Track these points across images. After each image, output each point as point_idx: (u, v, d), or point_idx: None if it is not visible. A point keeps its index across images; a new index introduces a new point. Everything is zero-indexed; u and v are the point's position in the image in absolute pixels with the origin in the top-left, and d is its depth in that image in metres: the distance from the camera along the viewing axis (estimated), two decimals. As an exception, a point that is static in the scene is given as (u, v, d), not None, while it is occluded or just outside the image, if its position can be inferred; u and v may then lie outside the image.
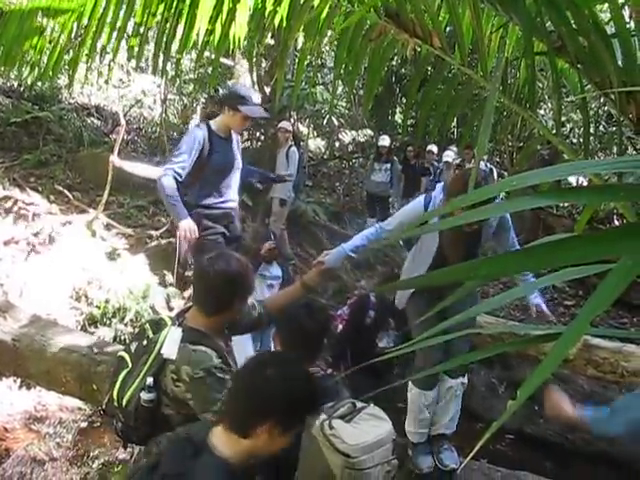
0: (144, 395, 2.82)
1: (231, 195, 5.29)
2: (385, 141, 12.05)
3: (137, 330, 3.11)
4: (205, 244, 4.91)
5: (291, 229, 10.90)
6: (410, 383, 4.40)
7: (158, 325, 2.97)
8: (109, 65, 9.59)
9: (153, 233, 9.66)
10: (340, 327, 7.04)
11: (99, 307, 7.30)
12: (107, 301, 7.39)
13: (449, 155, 11.37)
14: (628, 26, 1.94)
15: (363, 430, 2.72)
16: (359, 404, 2.86)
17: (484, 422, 6.59)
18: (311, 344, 3.02)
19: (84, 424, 5.54)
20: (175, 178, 4.83)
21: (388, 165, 11.98)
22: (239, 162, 5.35)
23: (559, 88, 2.05)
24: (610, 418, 2.84)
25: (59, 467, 4.96)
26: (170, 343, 2.82)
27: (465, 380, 4.49)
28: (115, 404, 2.93)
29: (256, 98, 5.09)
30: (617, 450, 5.52)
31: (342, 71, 2.52)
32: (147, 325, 3.02)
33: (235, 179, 5.34)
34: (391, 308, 5.09)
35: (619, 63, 1.99)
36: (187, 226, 4.82)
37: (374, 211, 12.01)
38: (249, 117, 5.09)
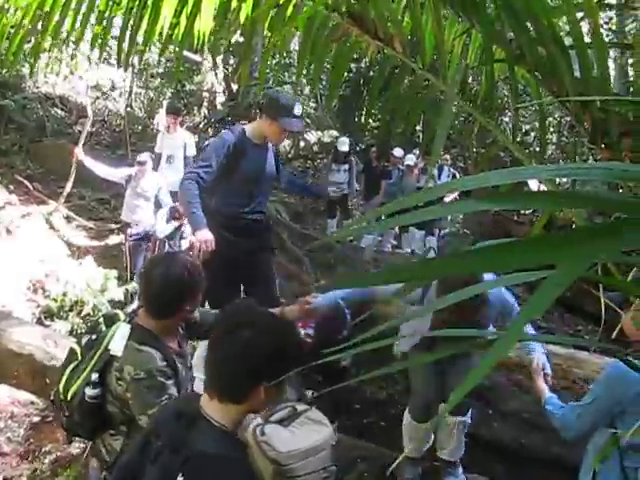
0: (88, 391, 2.77)
1: (259, 206, 4.87)
2: (344, 146, 11.82)
3: (91, 324, 3.07)
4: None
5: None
6: (407, 409, 4.42)
7: (112, 320, 2.92)
8: (71, 55, 9.48)
9: (114, 227, 9.57)
10: (303, 331, 6.99)
11: (56, 300, 7.20)
12: (64, 294, 7.30)
13: (411, 159, 11.42)
14: (585, 39, 1.98)
15: (298, 435, 2.58)
16: (300, 407, 2.76)
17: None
18: None
19: (36, 419, 5.44)
20: (198, 182, 4.48)
21: (346, 166, 11.85)
22: (273, 171, 4.95)
23: (518, 96, 2.08)
24: (562, 418, 3.17)
25: (9, 462, 4.87)
26: (118, 340, 2.77)
27: (467, 419, 4.42)
28: (61, 397, 2.88)
29: (297, 110, 4.65)
30: (571, 455, 5.61)
31: (305, 70, 2.52)
32: (101, 319, 2.97)
33: (266, 189, 5.00)
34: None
35: (576, 74, 2.03)
36: (203, 238, 4.43)
37: (334, 212, 12.02)
38: (286, 130, 4.71)
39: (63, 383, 2.89)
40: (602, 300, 1.87)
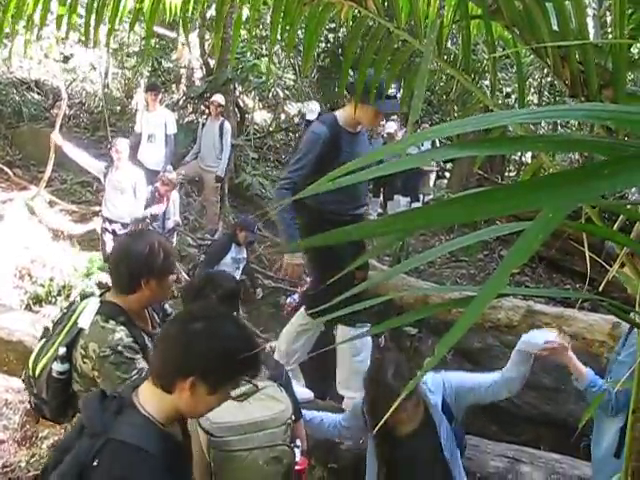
0: (56, 366, 2.70)
1: (362, 199, 4.62)
2: (311, 114, 11.33)
3: (68, 304, 3.00)
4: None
5: (237, 202, 10.85)
6: None
7: (88, 299, 2.85)
8: (44, 38, 9.32)
9: (98, 209, 9.48)
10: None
11: (43, 286, 7.17)
12: (51, 279, 7.27)
13: (391, 126, 11.35)
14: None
15: (242, 409, 2.58)
16: (262, 384, 2.67)
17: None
18: None
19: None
20: (294, 190, 4.13)
21: None
22: (372, 164, 4.54)
23: (494, 49, 2.05)
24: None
25: (7, 450, 4.86)
26: (86, 314, 2.70)
27: None
28: (30, 373, 2.82)
29: (391, 90, 4.13)
30: (561, 412, 5.68)
31: (279, 36, 2.47)
32: (78, 298, 2.91)
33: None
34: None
35: (554, 28, 2.00)
36: (294, 262, 4.24)
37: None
38: (382, 112, 4.35)
39: (32, 359, 2.82)
40: (587, 255, 1.86)
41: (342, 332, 4.43)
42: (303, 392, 4.41)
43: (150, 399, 1.97)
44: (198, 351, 1.93)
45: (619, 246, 1.69)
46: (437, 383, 3.28)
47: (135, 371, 2.62)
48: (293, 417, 2.73)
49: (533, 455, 4.40)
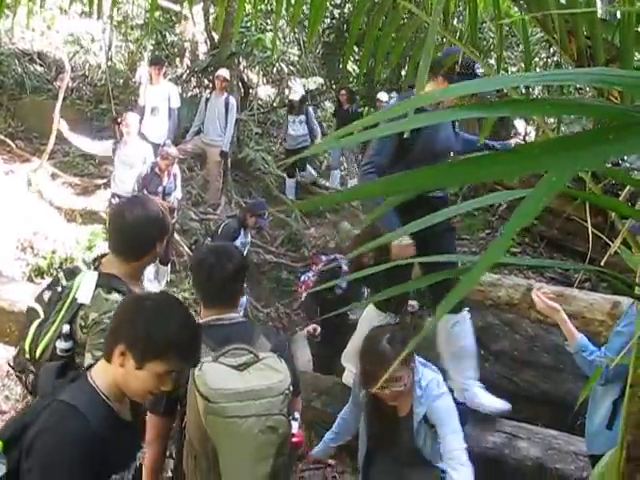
0: (60, 344, 2.67)
1: None
2: (295, 95, 11.19)
3: (51, 280, 2.92)
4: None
5: (240, 177, 10.83)
6: None
7: (73, 273, 2.80)
8: (47, 9, 9.24)
9: (100, 182, 9.48)
10: (304, 295, 6.94)
11: (45, 258, 7.19)
12: (53, 252, 7.29)
13: (382, 95, 11.25)
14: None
15: (241, 377, 2.59)
16: (263, 354, 2.68)
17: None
18: (220, 289, 2.87)
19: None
20: (378, 174, 3.98)
21: (302, 117, 10.99)
22: (451, 140, 4.37)
23: (501, 19, 2.03)
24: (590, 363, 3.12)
25: (9, 420, 4.89)
26: (85, 288, 2.69)
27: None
28: (27, 356, 2.76)
29: (478, 69, 3.88)
30: (558, 391, 5.71)
31: (284, 10, 2.45)
32: (61, 274, 2.86)
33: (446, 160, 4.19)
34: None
35: (562, 1, 1.99)
36: (402, 247, 3.89)
37: (292, 171, 11.12)
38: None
39: (29, 341, 2.76)
40: (589, 231, 1.85)
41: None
42: (496, 402, 4.43)
43: (98, 371, 2.07)
44: (128, 318, 2.03)
45: (621, 222, 1.68)
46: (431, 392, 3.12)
47: None
48: (291, 388, 2.73)
49: (530, 431, 4.44)
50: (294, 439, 2.91)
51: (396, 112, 0.78)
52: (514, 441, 4.35)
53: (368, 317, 4.47)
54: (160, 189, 7.41)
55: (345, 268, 5.91)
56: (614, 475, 1.63)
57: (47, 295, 2.83)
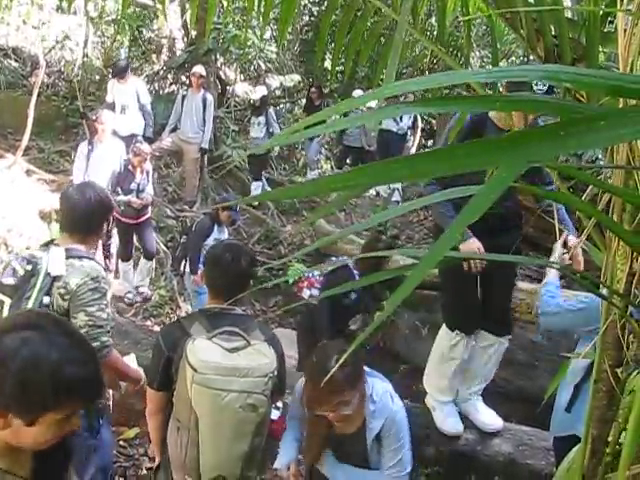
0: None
1: (507, 196, 3.82)
2: (256, 94, 10.92)
3: (4, 268, 3.01)
4: None
5: (217, 174, 10.78)
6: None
7: (29, 261, 2.93)
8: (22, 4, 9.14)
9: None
10: (308, 292, 6.78)
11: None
12: (27, 249, 7.18)
13: (357, 93, 11.31)
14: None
15: (231, 357, 2.71)
16: (254, 341, 2.79)
17: (407, 363, 6.78)
18: (233, 284, 2.95)
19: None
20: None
21: (262, 118, 10.52)
22: None
23: (469, 17, 2.05)
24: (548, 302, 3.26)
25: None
26: (55, 261, 2.87)
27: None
28: None
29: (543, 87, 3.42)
30: (534, 387, 5.76)
31: (255, 7, 2.45)
32: (14, 262, 2.96)
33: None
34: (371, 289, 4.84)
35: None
36: (472, 247, 3.62)
37: (258, 174, 10.70)
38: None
39: None
40: (557, 229, 1.88)
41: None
42: (493, 420, 4.49)
43: None
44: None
45: (587, 220, 1.70)
46: (385, 407, 2.95)
47: (105, 302, 2.96)
48: (276, 372, 2.81)
49: (502, 428, 4.48)
50: (273, 422, 2.99)
51: (339, 110, 0.79)
52: (486, 437, 4.39)
53: (439, 336, 4.42)
54: (134, 186, 7.29)
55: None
56: (579, 469, 1.65)
57: (9, 280, 2.91)
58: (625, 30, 1.30)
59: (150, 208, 7.81)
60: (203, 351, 2.67)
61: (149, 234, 7.72)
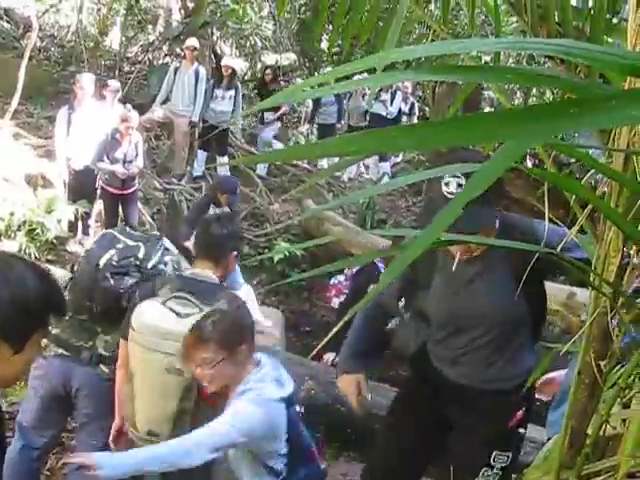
0: None
1: None
2: (231, 61, 10.62)
3: None
4: None
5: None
6: None
7: None
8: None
9: (64, 145, 9.27)
10: (337, 300, 6.60)
11: (3, 219, 7.03)
12: (12, 214, 7.12)
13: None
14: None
15: (180, 322, 2.72)
16: (207, 309, 2.70)
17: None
18: (219, 249, 3.01)
19: None
20: None
21: (232, 92, 10.11)
22: None
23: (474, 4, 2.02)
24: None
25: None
26: None
27: None
28: None
29: None
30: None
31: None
32: None
33: None
34: None
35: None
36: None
37: (209, 144, 10.23)
38: None
39: None
40: (547, 219, 1.85)
41: None
42: None
43: None
44: None
45: (580, 211, 1.68)
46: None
47: None
48: None
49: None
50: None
51: (337, 74, 0.76)
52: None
53: None
54: (120, 155, 7.19)
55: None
56: (557, 459, 1.64)
57: None
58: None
59: (137, 181, 7.74)
60: (146, 312, 2.79)
61: (133, 207, 7.66)
